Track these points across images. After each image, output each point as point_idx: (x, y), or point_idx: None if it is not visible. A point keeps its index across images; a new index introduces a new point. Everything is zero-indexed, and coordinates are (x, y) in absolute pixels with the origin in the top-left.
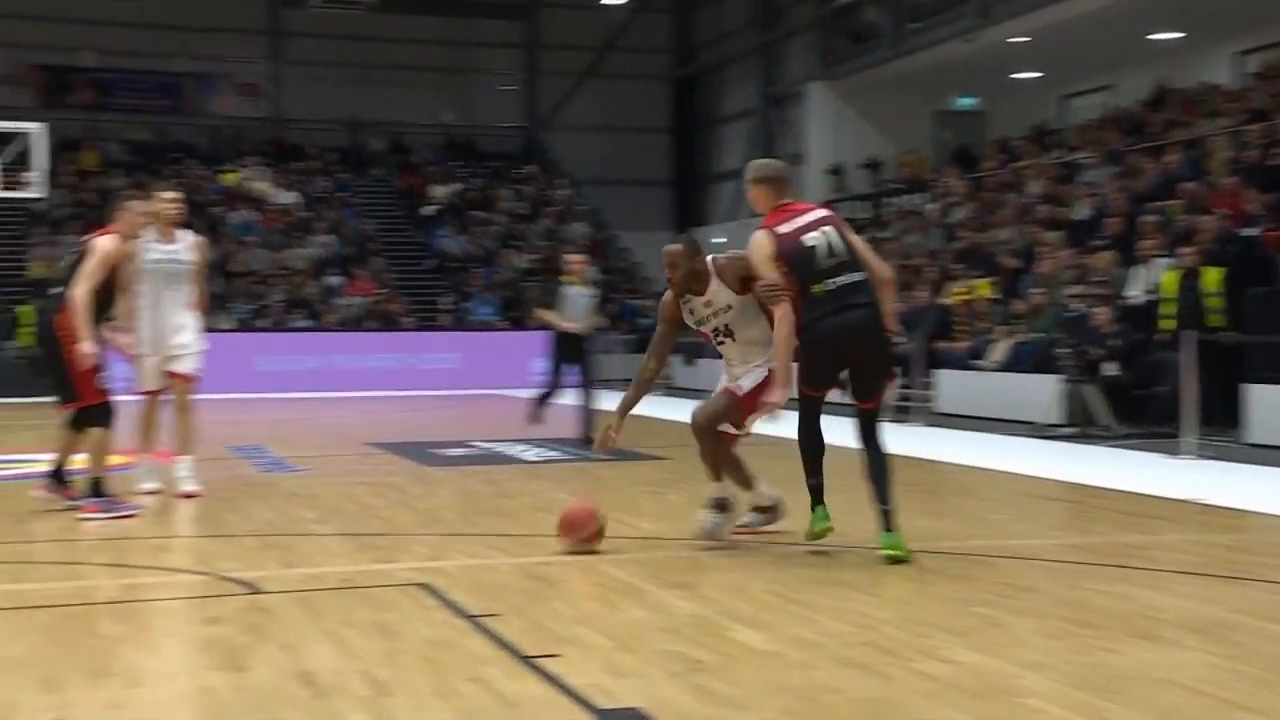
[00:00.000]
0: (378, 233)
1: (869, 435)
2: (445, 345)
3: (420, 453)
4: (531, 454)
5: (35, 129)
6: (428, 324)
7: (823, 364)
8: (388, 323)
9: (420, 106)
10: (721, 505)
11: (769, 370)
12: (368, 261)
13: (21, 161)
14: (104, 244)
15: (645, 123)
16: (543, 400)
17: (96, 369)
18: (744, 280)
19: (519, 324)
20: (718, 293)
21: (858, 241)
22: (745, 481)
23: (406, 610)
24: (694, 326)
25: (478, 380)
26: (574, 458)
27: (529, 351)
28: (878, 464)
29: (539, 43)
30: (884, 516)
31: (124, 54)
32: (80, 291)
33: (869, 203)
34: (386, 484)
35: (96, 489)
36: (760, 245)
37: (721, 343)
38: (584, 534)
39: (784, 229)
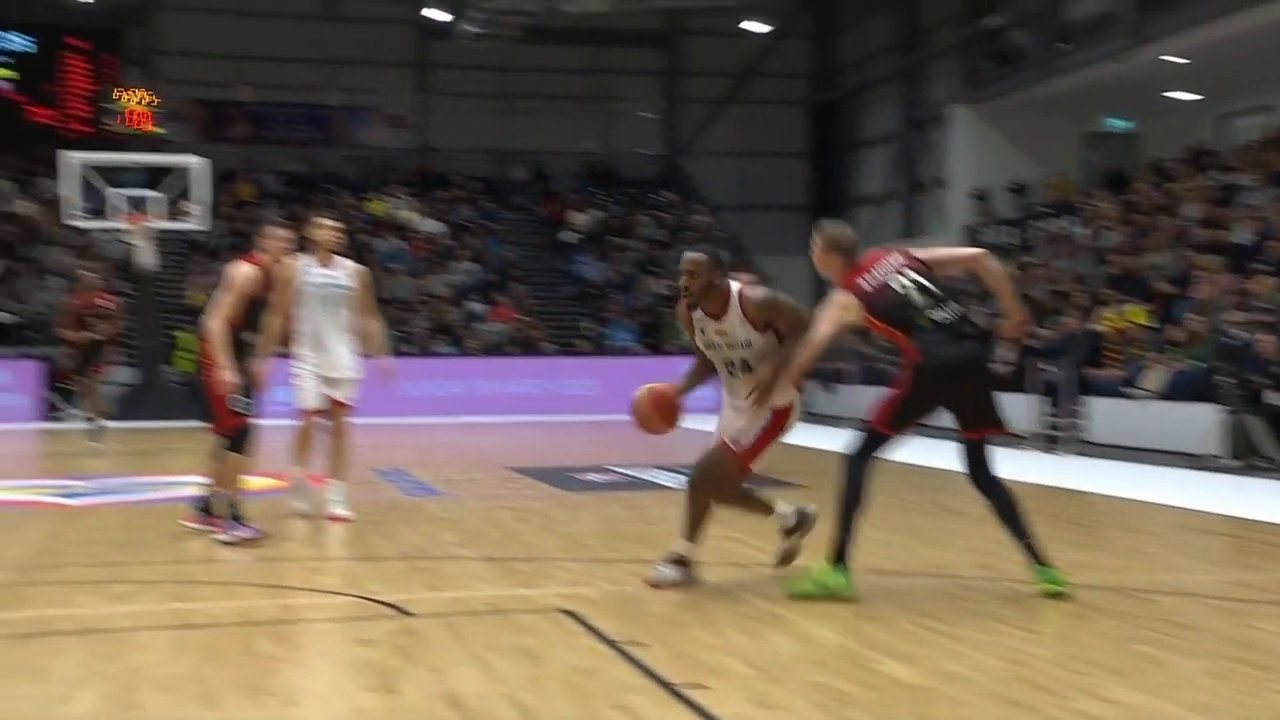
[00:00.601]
0: (519, 259)
1: (981, 467)
2: (585, 371)
3: (561, 477)
4: (670, 480)
5: (196, 162)
6: (567, 349)
7: (928, 398)
8: (528, 348)
9: (562, 135)
10: (680, 561)
11: (773, 411)
12: (509, 288)
13: (183, 193)
14: (240, 273)
15: (784, 147)
16: None
17: (235, 396)
18: (769, 325)
19: (657, 349)
20: (736, 327)
21: (942, 253)
22: (764, 509)
23: (550, 636)
24: (699, 346)
25: (617, 405)
26: None
27: (667, 377)
28: (1002, 497)
29: (680, 70)
30: (1030, 551)
31: (279, 88)
32: (215, 322)
33: (1015, 227)
34: (528, 508)
35: (230, 511)
36: (846, 308)
37: (733, 374)
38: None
39: (868, 284)
